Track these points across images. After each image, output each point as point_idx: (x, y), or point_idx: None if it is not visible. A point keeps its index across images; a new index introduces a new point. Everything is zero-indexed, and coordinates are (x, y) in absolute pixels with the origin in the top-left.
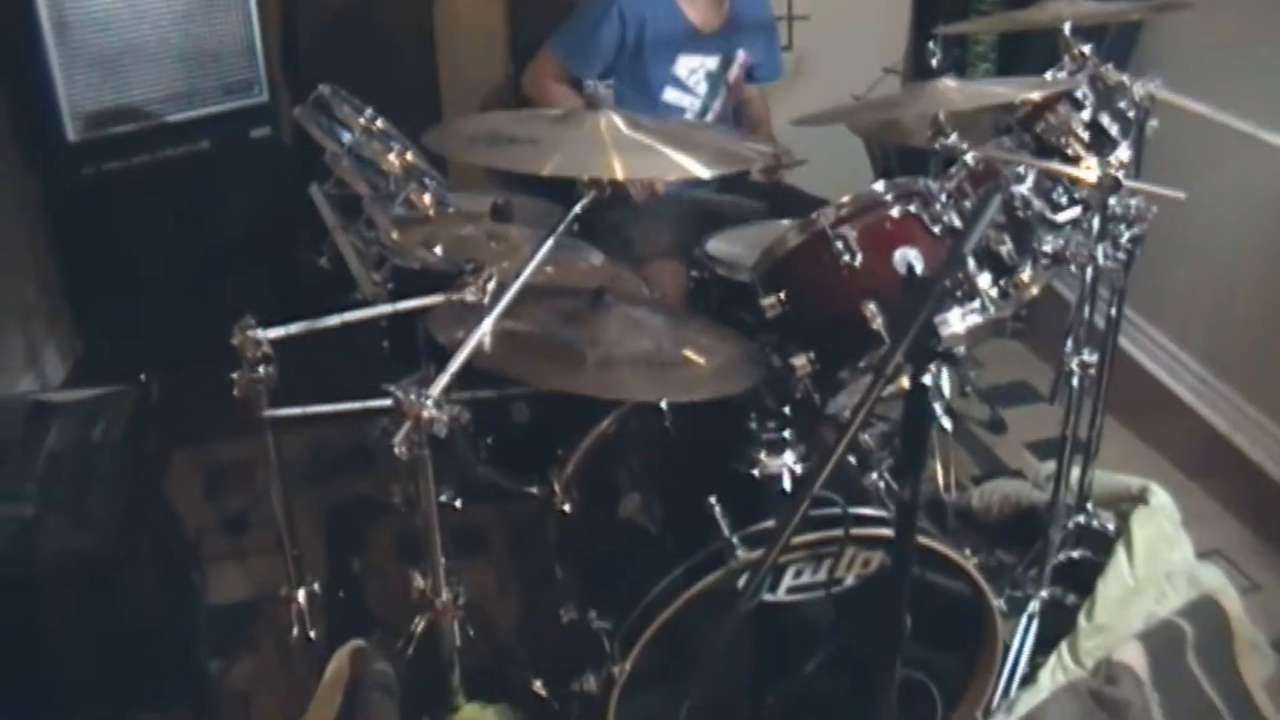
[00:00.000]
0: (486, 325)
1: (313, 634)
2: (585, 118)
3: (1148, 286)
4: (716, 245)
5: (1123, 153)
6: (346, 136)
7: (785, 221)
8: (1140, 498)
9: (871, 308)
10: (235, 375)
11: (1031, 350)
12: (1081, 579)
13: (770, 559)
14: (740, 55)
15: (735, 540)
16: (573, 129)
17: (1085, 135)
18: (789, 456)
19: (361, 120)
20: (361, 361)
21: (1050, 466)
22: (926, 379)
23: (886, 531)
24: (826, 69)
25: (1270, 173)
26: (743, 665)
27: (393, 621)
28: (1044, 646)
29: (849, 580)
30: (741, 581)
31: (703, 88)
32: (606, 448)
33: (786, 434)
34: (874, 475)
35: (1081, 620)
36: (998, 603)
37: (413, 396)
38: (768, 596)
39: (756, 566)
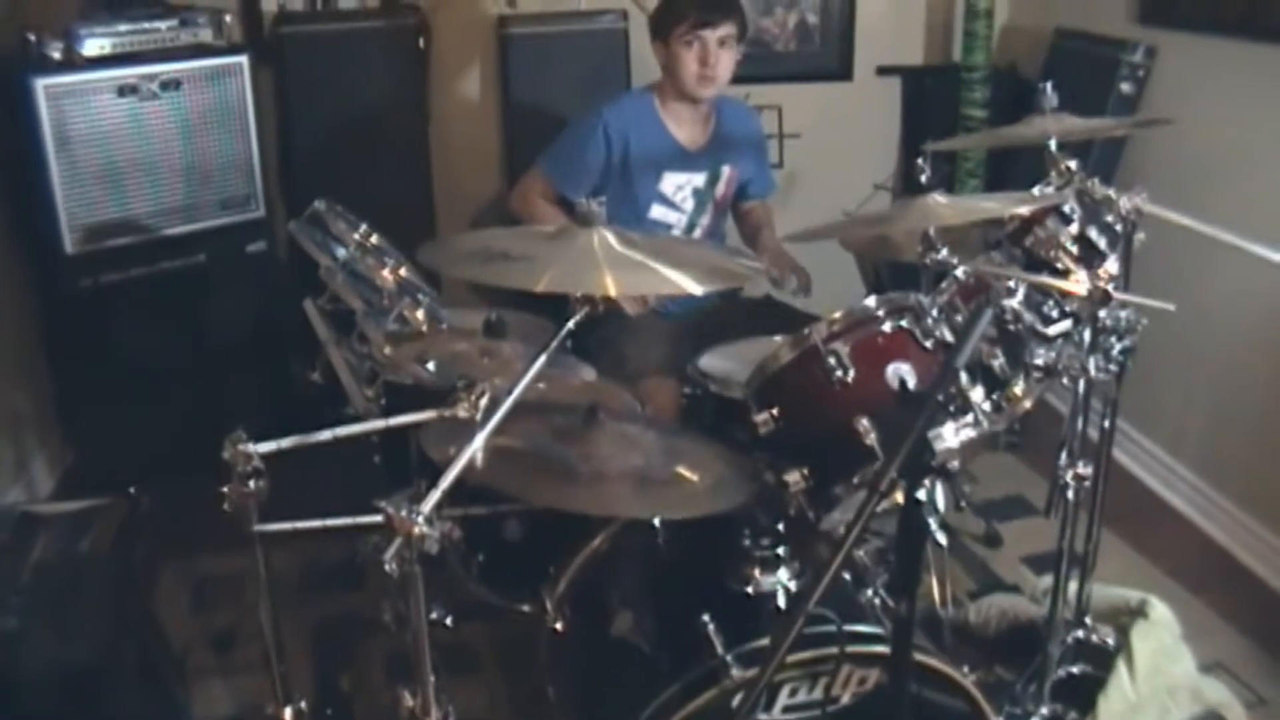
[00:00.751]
0: (479, 442)
1: None
2: (578, 235)
3: (1140, 397)
4: (709, 361)
5: (1111, 265)
6: (341, 252)
7: (778, 338)
8: (1140, 611)
9: (865, 423)
10: (225, 489)
11: (1026, 464)
12: (1082, 695)
13: (766, 676)
14: (726, 171)
15: (729, 659)
16: (565, 246)
17: (1074, 249)
18: (783, 573)
19: (356, 236)
20: (354, 477)
21: (1047, 581)
22: (921, 494)
23: (883, 649)
24: (818, 186)
25: (1258, 282)
26: None
27: None
28: None
29: (845, 699)
30: (736, 701)
31: (689, 204)
32: (599, 565)
33: (780, 551)
34: (869, 592)
35: None
36: None
37: (404, 513)
38: (763, 717)
39: (751, 685)
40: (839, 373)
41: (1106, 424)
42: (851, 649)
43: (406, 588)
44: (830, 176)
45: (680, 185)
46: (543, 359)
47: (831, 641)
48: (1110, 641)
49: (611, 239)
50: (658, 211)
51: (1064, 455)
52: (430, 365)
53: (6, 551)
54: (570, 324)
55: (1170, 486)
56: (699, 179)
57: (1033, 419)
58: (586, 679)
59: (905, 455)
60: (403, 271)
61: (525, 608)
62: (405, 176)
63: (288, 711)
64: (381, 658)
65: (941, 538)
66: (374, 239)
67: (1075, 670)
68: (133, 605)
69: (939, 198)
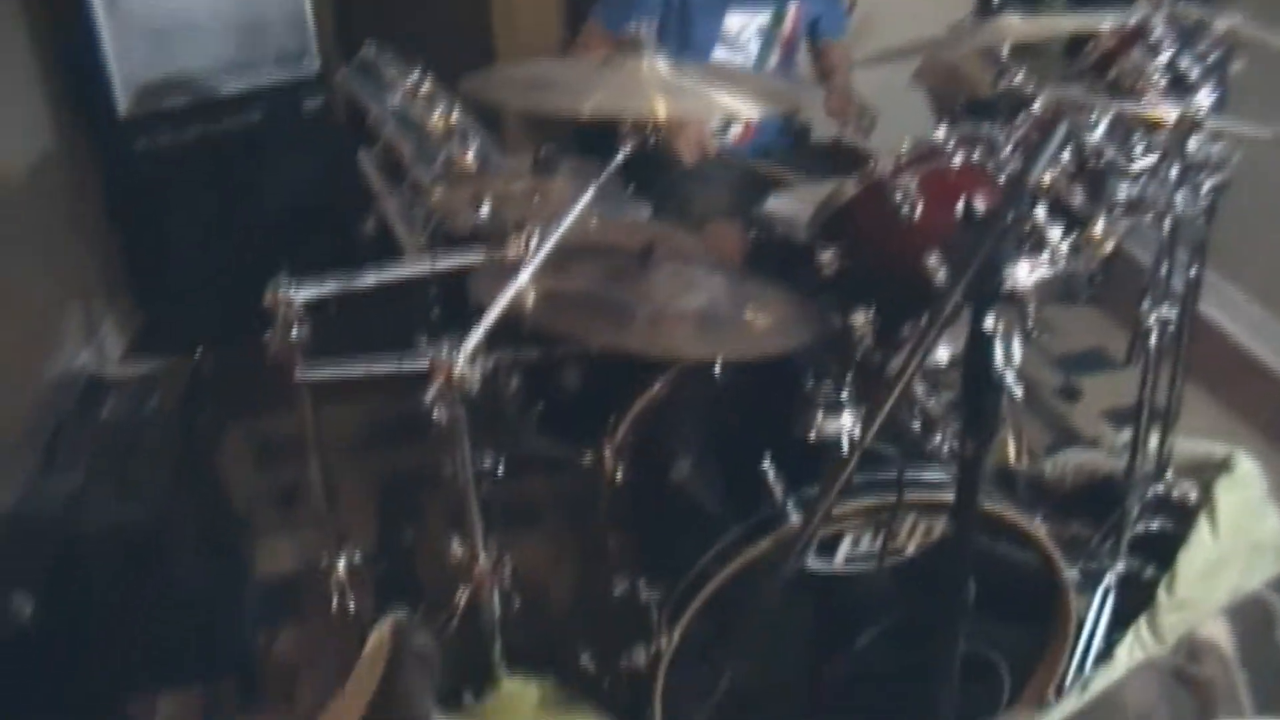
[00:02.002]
0: (525, 275)
1: (352, 606)
2: (626, 61)
3: (1231, 244)
4: (777, 204)
5: (1204, 97)
6: (391, 99)
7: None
8: (1225, 465)
9: (933, 260)
10: (268, 337)
11: (1107, 317)
12: (1161, 551)
13: (817, 518)
14: (792, 8)
15: (788, 505)
16: (614, 72)
17: (1162, 81)
18: (847, 419)
19: (406, 82)
20: (411, 332)
21: (1127, 434)
22: (988, 323)
23: (948, 496)
24: (891, 29)
25: None
26: (798, 639)
27: (442, 595)
28: (1121, 622)
29: (910, 550)
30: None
31: (754, 45)
32: (659, 413)
33: (844, 395)
34: (938, 439)
35: (1162, 594)
36: (1070, 574)
37: (444, 354)
38: (824, 567)
39: (803, 528)
40: (906, 208)
41: (1193, 271)
42: (915, 496)
43: (451, 431)
44: (904, 19)
45: (744, 24)
46: (592, 191)
47: (894, 489)
48: (1192, 497)
49: (662, 65)
50: (721, 54)
51: (1147, 299)
52: (483, 210)
53: (74, 416)
54: (620, 156)
55: (1261, 339)
56: (763, 17)
57: (1115, 271)
58: (646, 529)
59: (971, 278)
60: (454, 117)
61: (585, 458)
62: (463, 29)
63: (341, 564)
64: (443, 512)
65: (1017, 390)
66: (426, 85)
67: (1155, 526)
68: (194, 465)
69: (1013, 17)
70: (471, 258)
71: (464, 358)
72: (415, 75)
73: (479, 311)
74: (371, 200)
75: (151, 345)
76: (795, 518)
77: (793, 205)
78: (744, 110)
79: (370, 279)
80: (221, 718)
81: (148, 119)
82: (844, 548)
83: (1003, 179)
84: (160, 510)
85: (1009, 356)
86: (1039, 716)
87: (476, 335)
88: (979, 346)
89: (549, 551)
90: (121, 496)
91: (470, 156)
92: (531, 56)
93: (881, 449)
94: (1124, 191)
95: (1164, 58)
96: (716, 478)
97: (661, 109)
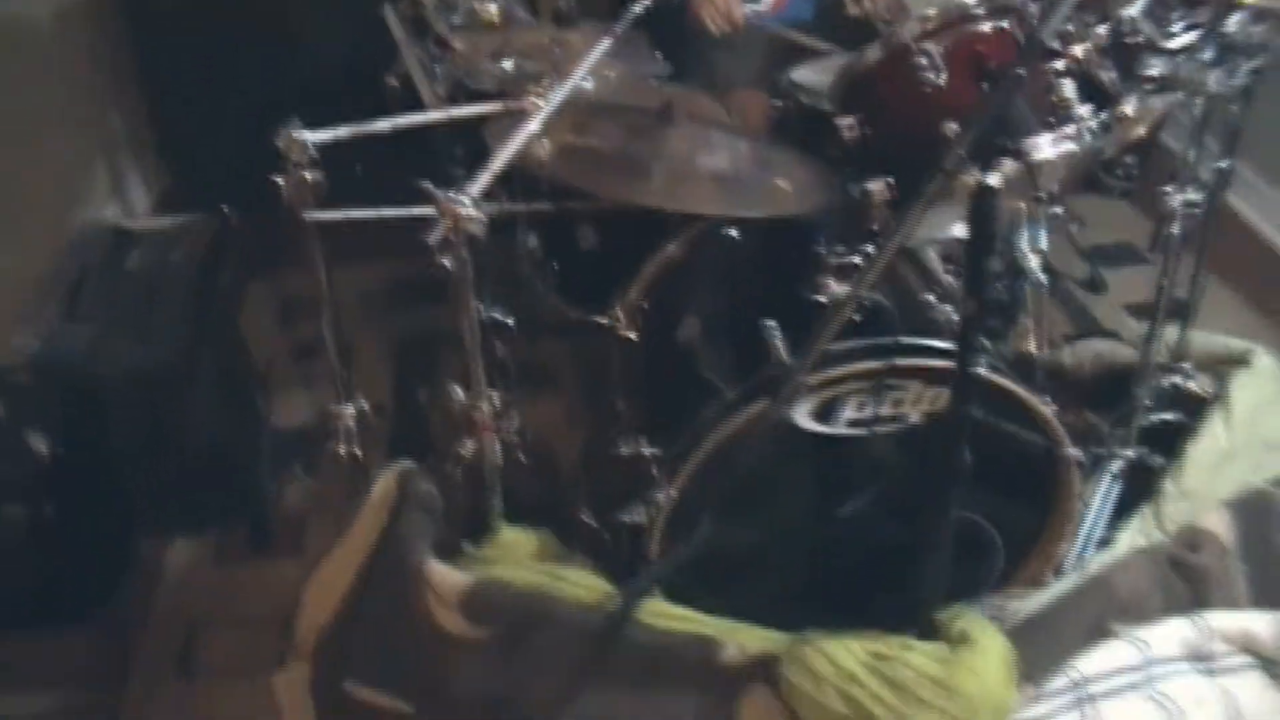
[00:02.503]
0: (538, 121)
1: (358, 452)
2: None
3: (1266, 140)
4: (803, 73)
5: None
6: None
7: None
8: (1242, 359)
9: (954, 127)
10: (280, 178)
11: (1139, 211)
12: (1171, 442)
13: (803, 366)
14: None
15: (791, 364)
16: None
17: None
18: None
19: None
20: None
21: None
22: (994, 179)
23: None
24: None
25: None
26: (797, 500)
27: (450, 448)
28: (1126, 510)
29: (913, 417)
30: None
31: None
32: (672, 275)
33: (857, 260)
34: (951, 311)
35: (1168, 484)
36: (1074, 455)
37: (449, 196)
38: (826, 428)
39: (791, 376)
40: (930, 74)
41: (1224, 162)
42: (916, 362)
43: (457, 277)
44: None
45: None
46: (610, 39)
47: (897, 354)
48: (1208, 390)
49: None
50: None
51: (1171, 184)
52: (505, 64)
53: (98, 266)
54: (638, 6)
55: None
56: None
57: (1150, 164)
58: (655, 390)
59: (975, 132)
60: None
61: (601, 320)
62: None
63: (349, 410)
64: (460, 369)
65: (1041, 277)
66: None
67: (1168, 417)
68: (216, 317)
69: None
70: (488, 107)
71: (470, 200)
72: None
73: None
74: (395, 55)
75: (177, 201)
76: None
77: (820, 75)
78: None
79: (384, 126)
80: (232, 563)
81: None
82: (847, 411)
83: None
84: (180, 359)
85: (1035, 243)
86: (1030, 596)
87: (484, 178)
88: (984, 202)
89: (558, 411)
90: (142, 343)
91: (493, 8)
92: None
93: (888, 316)
94: (1158, 69)
95: None
96: (724, 338)
97: None
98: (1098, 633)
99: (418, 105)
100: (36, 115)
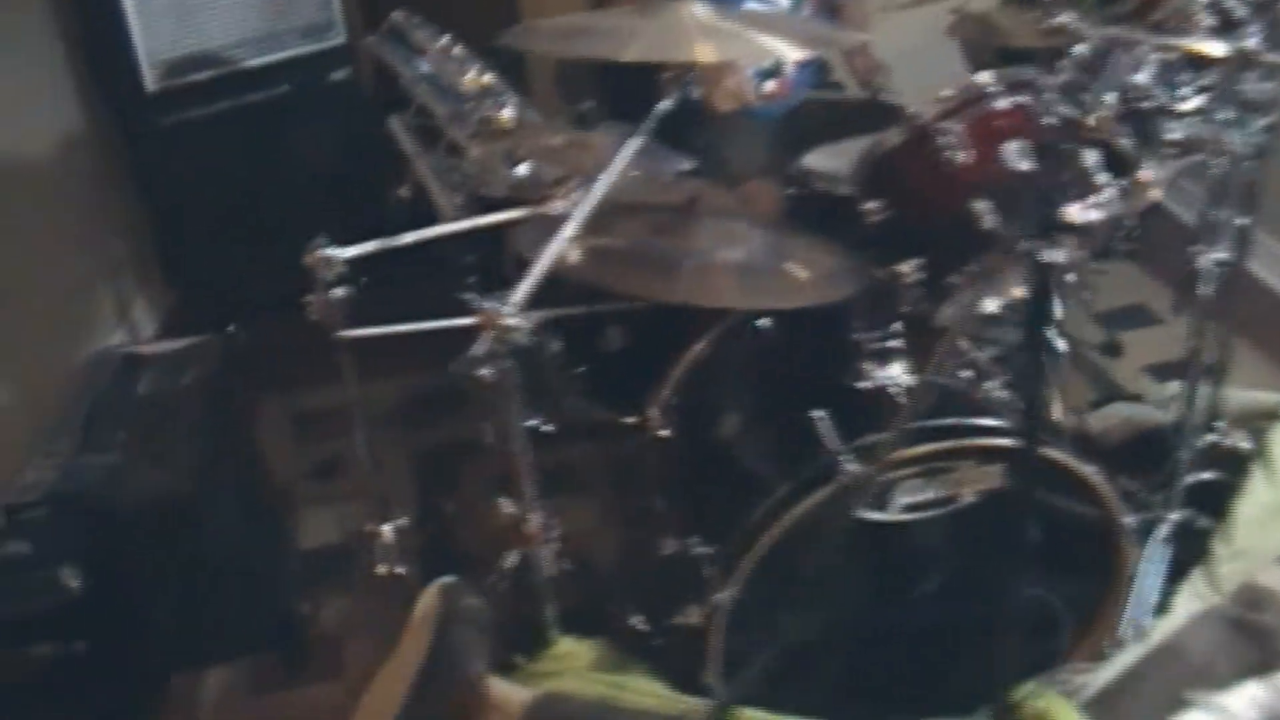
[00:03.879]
0: (571, 227)
1: (401, 570)
2: (666, 7)
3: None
4: (815, 160)
5: (1252, 34)
6: (421, 64)
7: None
8: (1275, 414)
9: (982, 205)
10: (309, 298)
11: (1145, 272)
12: (1213, 501)
13: (892, 446)
14: None
15: (842, 454)
16: (654, 18)
17: (1208, 20)
18: (896, 368)
19: (437, 45)
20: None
21: (1174, 387)
22: (1057, 255)
23: (1004, 442)
24: None
25: None
26: (856, 591)
27: (488, 560)
28: (1176, 573)
29: (967, 497)
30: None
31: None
32: (704, 370)
33: (894, 344)
34: (988, 388)
35: (1218, 544)
36: (1130, 522)
37: (493, 306)
38: (881, 516)
39: (868, 472)
40: (952, 153)
41: (1243, 219)
42: (969, 442)
43: (500, 387)
44: None
45: None
46: (635, 143)
47: (951, 435)
48: (1245, 446)
49: (701, 10)
50: (753, 5)
51: (1197, 244)
52: (521, 169)
53: (109, 393)
54: (663, 105)
55: None
56: None
57: (1152, 225)
58: (694, 486)
59: (1028, 211)
60: (486, 78)
61: (630, 420)
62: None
63: (387, 528)
64: (483, 479)
65: (1060, 344)
66: (456, 48)
67: (1207, 476)
68: (232, 437)
69: None
70: (515, 214)
71: (514, 308)
72: (445, 40)
73: (521, 268)
74: (404, 166)
75: (184, 323)
76: (851, 466)
77: (832, 160)
78: (787, 51)
79: (409, 238)
80: (270, 691)
81: (175, 94)
82: (901, 496)
83: (1049, 123)
84: (199, 482)
85: (1050, 312)
86: (1096, 668)
87: (526, 285)
88: (1040, 280)
89: (594, 515)
90: (160, 469)
91: (506, 114)
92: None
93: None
94: (1173, 134)
95: None
96: (765, 432)
97: (706, 52)
98: (1174, 702)
99: (429, 217)
100: (40, 243)
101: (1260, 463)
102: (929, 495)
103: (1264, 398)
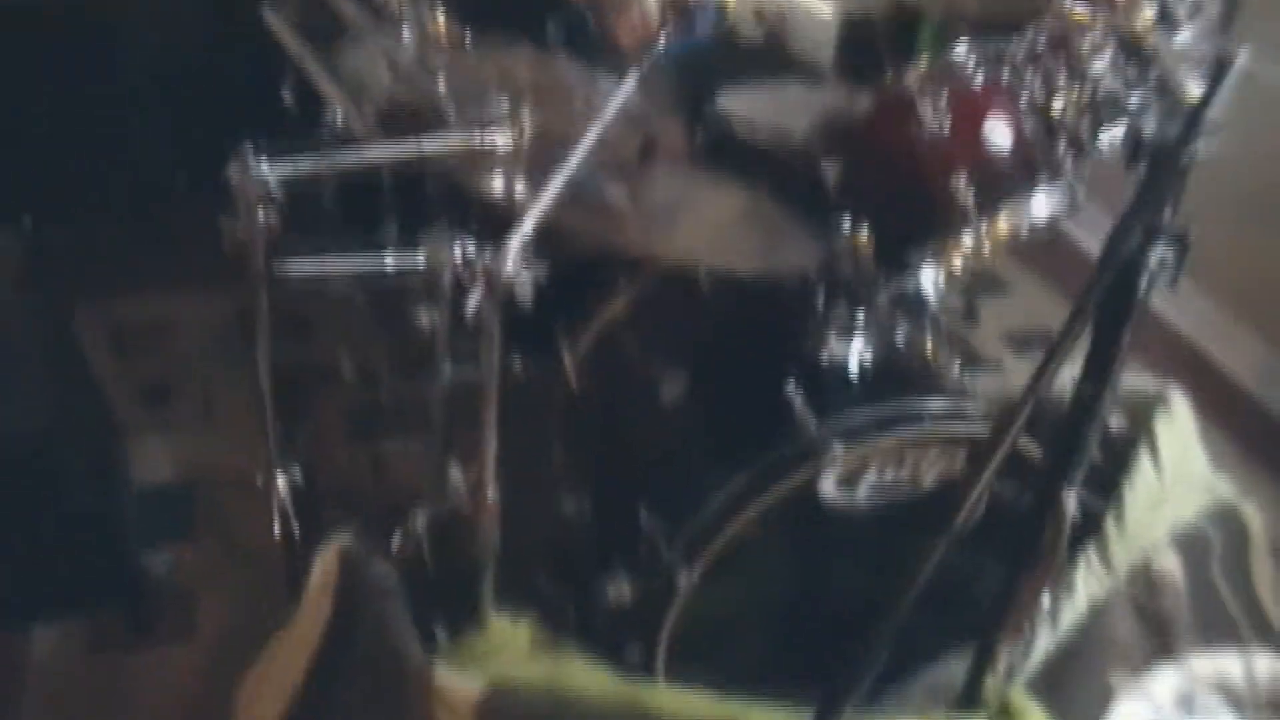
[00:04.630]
0: (563, 177)
1: (296, 530)
2: None
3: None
4: (729, 104)
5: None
6: None
7: (796, 85)
8: (1159, 400)
9: (962, 181)
10: (225, 221)
11: None
12: (1094, 482)
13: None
14: None
15: (831, 435)
16: None
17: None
18: (858, 343)
19: None
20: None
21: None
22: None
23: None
24: None
25: None
26: (802, 571)
27: (356, 514)
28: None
29: (927, 483)
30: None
31: None
32: (632, 325)
33: (859, 317)
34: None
35: (1110, 526)
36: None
37: (485, 255)
38: (847, 499)
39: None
40: (933, 126)
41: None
42: (942, 429)
43: (484, 340)
44: None
45: None
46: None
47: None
48: (1124, 429)
49: None
50: None
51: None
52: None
53: None
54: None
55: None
56: None
57: None
58: (635, 453)
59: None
60: None
61: (536, 370)
62: None
63: (282, 481)
64: (339, 414)
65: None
66: None
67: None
68: (46, 350)
69: None
70: (459, 143)
71: (512, 258)
72: None
73: (452, 200)
74: (283, 66)
75: None
76: (839, 448)
77: (748, 104)
78: None
79: (351, 156)
80: (110, 653)
81: None
82: (869, 478)
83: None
84: (14, 408)
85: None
86: (1018, 647)
87: (523, 230)
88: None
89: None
90: None
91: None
92: None
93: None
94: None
95: None
96: (716, 401)
97: None
98: (1103, 688)
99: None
100: None
101: (1146, 447)
102: (896, 479)
103: (1144, 383)
